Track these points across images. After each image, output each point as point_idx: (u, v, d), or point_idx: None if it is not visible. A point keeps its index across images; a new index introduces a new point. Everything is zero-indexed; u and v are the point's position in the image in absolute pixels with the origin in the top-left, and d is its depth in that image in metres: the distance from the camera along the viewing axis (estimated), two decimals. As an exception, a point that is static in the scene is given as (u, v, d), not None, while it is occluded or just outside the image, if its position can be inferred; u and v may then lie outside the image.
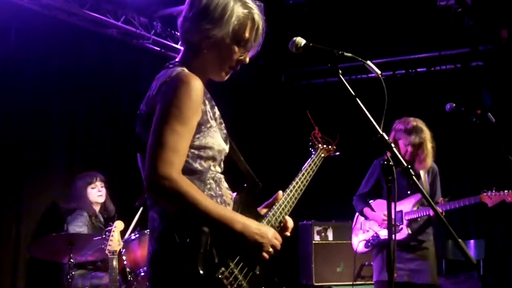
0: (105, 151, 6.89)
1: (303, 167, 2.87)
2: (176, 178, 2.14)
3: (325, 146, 3.15)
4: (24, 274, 5.97)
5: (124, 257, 5.46)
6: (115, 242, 5.10)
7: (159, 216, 2.29)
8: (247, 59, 2.47)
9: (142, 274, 5.40)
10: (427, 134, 5.02)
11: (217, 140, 2.34)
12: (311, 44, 2.45)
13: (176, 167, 2.16)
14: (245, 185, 2.53)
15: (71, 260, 5.02)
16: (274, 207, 2.56)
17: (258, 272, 2.36)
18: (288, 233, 2.57)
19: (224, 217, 2.22)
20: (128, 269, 5.46)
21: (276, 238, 2.36)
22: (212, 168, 2.35)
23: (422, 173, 5.07)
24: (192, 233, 2.19)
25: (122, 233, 5.28)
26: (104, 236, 5.19)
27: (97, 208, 6.02)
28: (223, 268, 2.22)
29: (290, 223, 2.58)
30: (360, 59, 2.36)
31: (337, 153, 3.24)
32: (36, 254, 5.39)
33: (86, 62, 6.80)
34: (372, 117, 2.29)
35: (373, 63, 2.38)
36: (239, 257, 2.30)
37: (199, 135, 2.28)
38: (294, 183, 2.73)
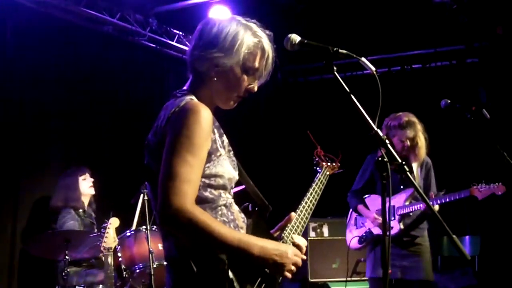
0: (101, 147, 6.89)
1: (310, 187, 2.86)
2: (190, 209, 2.11)
3: (329, 164, 3.15)
4: (20, 271, 5.97)
5: (119, 254, 5.47)
6: (110, 239, 5.10)
7: (175, 246, 2.27)
8: (256, 88, 2.46)
9: (138, 271, 5.40)
10: (419, 126, 5.06)
11: (227, 168, 2.33)
12: (306, 41, 2.43)
13: (189, 198, 2.13)
14: (256, 208, 2.51)
15: (66, 257, 5.02)
16: (287, 228, 2.54)
17: None
18: (303, 255, 2.49)
19: (241, 242, 2.18)
20: (123, 266, 5.47)
21: (296, 255, 2.34)
22: (222, 195, 2.33)
23: (415, 166, 5.09)
24: (210, 261, 2.18)
25: (118, 230, 5.28)
26: (99, 232, 5.20)
27: (86, 201, 6.02)
28: None
29: (303, 242, 2.53)
30: (354, 55, 2.35)
31: (341, 170, 3.24)
32: (32, 251, 5.39)
33: (82, 59, 6.79)
34: (368, 114, 2.29)
35: (368, 60, 2.38)
36: (258, 282, 2.28)
37: (209, 164, 2.26)
38: (303, 203, 2.72)
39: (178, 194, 2.10)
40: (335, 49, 2.36)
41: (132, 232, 5.56)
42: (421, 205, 4.88)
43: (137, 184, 5.57)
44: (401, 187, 5.04)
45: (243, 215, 2.43)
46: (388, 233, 2.20)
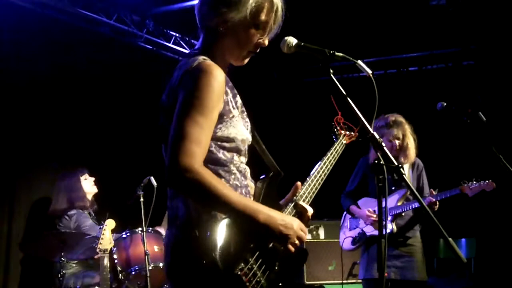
0: (97, 148, 6.88)
1: (325, 155, 2.82)
2: (198, 169, 2.08)
3: (347, 132, 3.12)
4: (16, 272, 5.96)
5: (115, 256, 5.46)
6: (106, 240, 5.09)
7: (184, 205, 2.24)
8: (266, 42, 2.43)
9: (133, 272, 5.40)
10: (407, 126, 5.09)
11: (240, 130, 2.31)
12: (302, 44, 2.42)
13: (198, 158, 2.10)
14: (263, 176, 2.48)
15: (62, 258, 5.01)
16: (294, 198, 2.50)
17: (276, 268, 2.31)
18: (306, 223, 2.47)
19: (247, 208, 2.15)
20: (119, 268, 5.46)
21: (301, 229, 2.29)
22: (235, 158, 2.32)
23: (406, 167, 5.11)
24: (212, 227, 2.14)
25: (113, 231, 5.27)
26: (95, 234, 5.19)
27: (88, 201, 6.00)
28: (242, 264, 2.16)
29: (310, 210, 2.50)
30: (351, 58, 2.35)
31: (359, 139, 3.16)
32: (28, 252, 5.38)
33: (79, 60, 6.78)
34: (364, 116, 2.29)
35: (364, 62, 2.38)
36: (258, 252, 2.24)
37: (222, 125, 2.25)
38: (315, 172, 2.68)
39: (186, 154, 2.08)
40: (331, 51, 2.36)
41: (128, 234, 5.56)
42: (414, 205, 4.90)
43: (134, 185, 5.56)
44: (393, 188, 5.06)
45: (254, 184, 2.43)
46: (385, 236, 2.19)
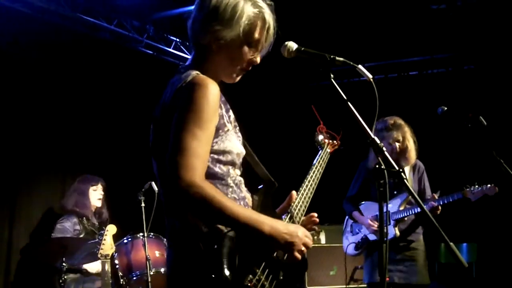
0: (98, 154, 6.88)
1: (312, 165, 2.83)
2: (200, 183, 2.06)
3: (330, 141, 3.12)
4: (17, 279, 5.94)
5: (116, 261, 5.45)
6: (107, 246, 5.08)
7: (181, 223, 2.22)
8: (258, 60, 2.43)
9: (135, 278, 5.38)
10: (407, 129, 5.09)
11: (234, 143, 2.31)
12: (303, 49, 2.42)
13: (199, 172, 2.09)
14: (260, 186, 2.49)
15: (64, 264, 5.01)
16: (290, 208, 2.51)
17: (281, 278, 2.30)
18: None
19: (251, 220, 2.13)
20: (120, 273, 5.45)
21: (306, 236, 2.27)
22: (231, 171, 2.31)
23: (407, 170, 5.10)
24: (217, 239, 2.14)
25: (115, 237, 5.27)
26: (96, 239, 5.18)
27: (93, 210, 6.01)
28: (250, 276, 2.16)
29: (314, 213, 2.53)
30: (351, 63, 2.35)
31: (341, 147, 3.19)
32: (29, 257, 5.36)
33: (79, 66, 6.78)
34: (365, 120, 2.29)
35: (365, 66, 2.37)
36: (264, 263, 2.24)
37: (217, 139, 2.24)
38: (306, 182, 2.69)
39: (187, 168, 2.06)
40: (332, 56, 2.36)
41: (129, 239, 5.55)
42: (416, 209, 4.89)
43: (135, 190, 5.56)
44: (395, 192, 5.04)
45: (250, 195, 2.43)
46: (386, 241, 2.19)
